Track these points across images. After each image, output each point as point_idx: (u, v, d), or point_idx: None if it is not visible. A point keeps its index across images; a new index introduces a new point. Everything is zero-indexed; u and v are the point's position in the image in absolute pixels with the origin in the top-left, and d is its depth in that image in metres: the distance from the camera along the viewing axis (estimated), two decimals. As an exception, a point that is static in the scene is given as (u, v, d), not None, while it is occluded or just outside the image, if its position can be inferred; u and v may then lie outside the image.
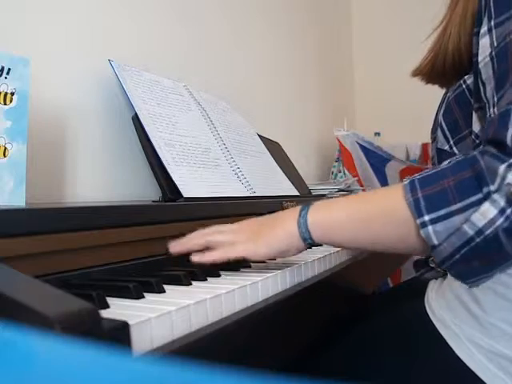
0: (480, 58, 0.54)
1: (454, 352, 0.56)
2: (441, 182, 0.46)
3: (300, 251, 0.56)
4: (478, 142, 0.57)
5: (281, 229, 0.55)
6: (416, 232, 0.47)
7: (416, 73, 0.73)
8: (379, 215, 0.50)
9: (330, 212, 0.54)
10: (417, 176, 0.49)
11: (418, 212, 0.46)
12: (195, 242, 0.57)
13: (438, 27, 0.67)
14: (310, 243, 0.54)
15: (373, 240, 0.52)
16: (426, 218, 0.46)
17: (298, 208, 0.55)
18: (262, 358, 0.49)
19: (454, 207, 0.45)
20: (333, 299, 0.70)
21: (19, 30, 0.75)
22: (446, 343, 0.58)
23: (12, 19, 0.75)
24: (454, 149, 0.63)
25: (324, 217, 0.53)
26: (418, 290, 0.69)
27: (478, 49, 0.55)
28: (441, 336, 0.59)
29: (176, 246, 0.57)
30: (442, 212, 0.45)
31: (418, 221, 0.46)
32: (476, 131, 0.57)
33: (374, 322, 0.71)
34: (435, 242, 0.46)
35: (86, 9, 0.88)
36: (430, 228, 0.46)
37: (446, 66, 0.65)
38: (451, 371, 0.56)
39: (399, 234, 0.49)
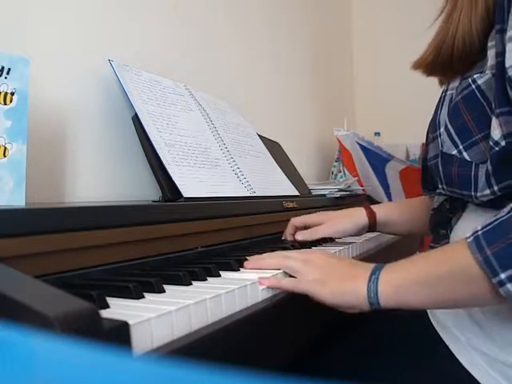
0: (509, 63, 0.50)
1: (455, 357, 0.56)
2: (509, 236, 0.44)
3: (362, 311, 0.54)
4: (497, 149, 0.53)
5: (349, 286, 0.53)
6: (491, 290, 0.45)
7: (417, 64, 0.68)
8: (449, 279, 0.48)
9: (401, 280, 0.51)
10: (479, 231, 0.47)
11: (492, 272, 0.44)
12: (271, 264, 0.60)
13: (440, 15, 0.64)
14: (376, 308, 0.52)
15: (444, 302, 0.52)
16: (503, 276, 0.44)
17: (369, 268, 0.54)
18: (262, 358, 0.49)
19: None
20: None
21: (19, 30, 0.75)
22: (448, 348, 0.58)
23: (12, 19, 0.75)
24: (464, 154, 0.59)
25: (395, 285, 0.51)
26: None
27: (501, 48, 0.52)
28: (442, 341, 0.59)
29: (251, 264, 0.61)
30: None
31: (494, 280, 0.44)
32: (496, 138, 0.53)
33: (374, 324, 0.71)
34: None
35: (86, 9, 0.88)
36: (509, 286, 0.44)
37: (454, 53, 0.60)
38: (452, 376, 0.56)
39: (471, 293, 0.48)
